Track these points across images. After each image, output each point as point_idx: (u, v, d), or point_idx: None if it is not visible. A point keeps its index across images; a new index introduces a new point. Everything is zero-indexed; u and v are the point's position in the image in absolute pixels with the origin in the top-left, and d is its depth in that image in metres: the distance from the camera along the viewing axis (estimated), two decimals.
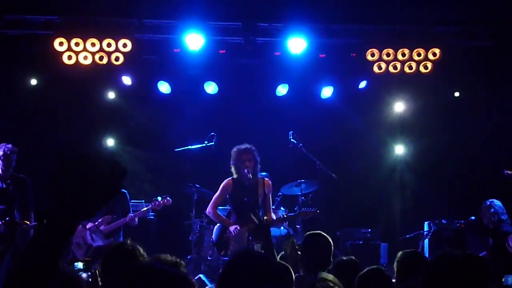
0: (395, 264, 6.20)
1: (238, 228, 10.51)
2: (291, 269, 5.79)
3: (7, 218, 10.49)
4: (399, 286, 5.71)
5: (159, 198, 11.54)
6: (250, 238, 10.24)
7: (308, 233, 7.07)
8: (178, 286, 2.31)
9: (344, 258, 7.03)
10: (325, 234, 6.91)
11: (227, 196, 10.84)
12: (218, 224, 10.99)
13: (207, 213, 11.02)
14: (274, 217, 10.80)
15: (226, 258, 10.46)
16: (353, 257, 7.11)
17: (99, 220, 11.19)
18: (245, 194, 10.58)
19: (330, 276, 5.90)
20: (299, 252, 7.03)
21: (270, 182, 10.94)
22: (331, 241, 6.81)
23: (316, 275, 6.24)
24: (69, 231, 2.05)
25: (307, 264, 6.58)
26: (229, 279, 3.48)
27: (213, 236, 10.98)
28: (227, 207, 11.37)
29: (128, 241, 5.35)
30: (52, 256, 2.01)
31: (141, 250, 5.15)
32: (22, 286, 1.96)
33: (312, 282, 5.92)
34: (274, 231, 11.85)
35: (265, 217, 10.59)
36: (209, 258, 11.80)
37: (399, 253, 6.26)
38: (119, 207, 11.41)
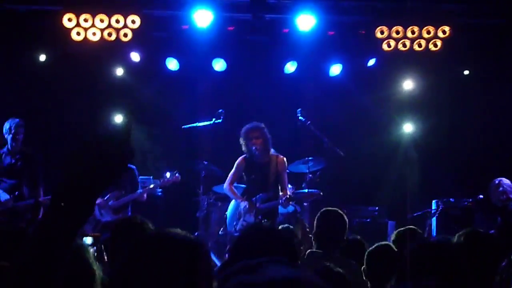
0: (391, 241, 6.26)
1: (247, 206, 10.61)
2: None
3: (16, 193, 10.55)
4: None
5: (168, 175, 11.57)
6: (259, 217, 10.32)
7: (324, 208, 7.09)
8: (193, 250, 2.32)
9: (349, 237, 7.06)
10: (341, 211, 6.94)
11: (243, 173, 11.00)
12: (233, 200, 11.16)
13: (223, 189, 11.21)
14: (289, 194, 10.88)
15: (237, 234, 10.55)
16: (358, 237, 7.15)
17: (108, 196, 11.23)
18: (257, 172, 10.68)
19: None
20: (310, 235, 7.08)
21: (285, 159, 11.00)
22: (346, 218, 6.84)
23: (329, 252, 6.28)
24: (86, 211, 2.03)
25: (321, 239, 6.59)
26: (238, 252, 3.50)
27: (228, 211, 11.20)
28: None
29: (137, 216, 5.38)
30: (67, 237, 2.00)
31: (150, 225, 5.17)
32: (36, 266, 1.95)
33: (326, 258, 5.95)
34: (281, 208, 11.89)
35: (281, 193, 10.73)
36: (220, 233, 11.89)
37: (395, 232, 6.34)
38: (128, 183, 11.44)
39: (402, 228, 6.45)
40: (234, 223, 10.93)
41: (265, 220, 10.19)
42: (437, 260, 3.65)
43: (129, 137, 2.09)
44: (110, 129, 2.12)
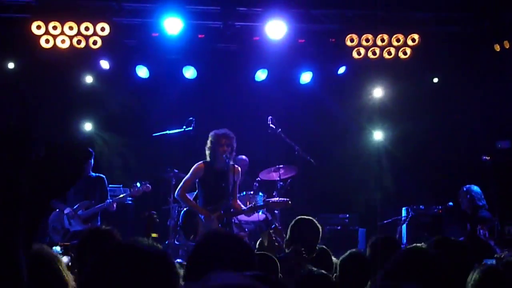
0: (367, 248, 6.25)
1: (210, 216, 10.36)
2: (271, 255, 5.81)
3: None
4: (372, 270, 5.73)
5: (138, 185, 11.51)
6: (220, 225, 10.18)
7: (299, 217, 7.07)
8: (157, 263, 2.30)
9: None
10: (315, 221, 6.93)
11: (197, 180, 10.65)
12: (185, 209, 10.83)
13: (175, 196, 10.75)
14: (241, 205, 10.71)
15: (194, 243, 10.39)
16: (323, 246, 7.14)
17: (77, 205, 11.14)
18: (218, 179, 10.46)
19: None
20: (276, 243, 7.04)
21: (240, 169, 10.84)
22: (319, 228, 6.84)
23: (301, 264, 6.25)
24: (40, 213, 2.02)
25: (293, 248, 6.56)
26: (200, 259, 3.46)
27: (180, 220, 10.83)
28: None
29: (105, 226, 5.33)
30: (24, 237, 1.98)
31: (118, 234, 5.13)
32: None
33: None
34: (252, 216, 11.86)
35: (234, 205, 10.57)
36: (176, 242, 11.74)
37: (372, 238, 6.33)
38: (97, 192, 11.37)
39: (380, 236, 6.43)
40: (192, 232, 10.63)
41: (227, 229, 10.07)
42: (418, 266, 3.65)
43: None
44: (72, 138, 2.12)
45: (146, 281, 2.27)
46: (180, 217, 10.82)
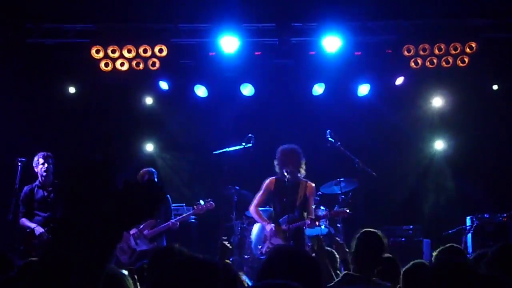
0: (433, 259, 6.21)
1: (273, 228, 10.51)
2: (326, 266, 5.83)
3: (51, 225, 10.62)
4: None
5: (202, 202, 11.58)
6: (288, 236, 10.26)
7: (364, 229, 7.05)
8: (206, 272, 2.35)
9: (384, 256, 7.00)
10: (380, 233, 6.90)
11: (270, 195, 10.85)
12: (258, 224, 11.01)
13: (249, 211, 11.07)
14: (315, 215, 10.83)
15: (262, 257, 10.51)
16: (390, 255, 7.09)
17: (143, 225, 11.27)
18: (284, 194, 10.58)
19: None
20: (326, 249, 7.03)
21: (313, 185, 10.93)
22: (385, 240, 6.81)
23: (367, 275, 6.24)
24: (114, 241, 2.07)
25: (359, 260, 6.55)
26: (265, 275, 3.51)
27: (252, 235, 11.04)
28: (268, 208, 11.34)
29: (176, 245, 5.40)
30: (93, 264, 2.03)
31: (186, 251, 5.19)
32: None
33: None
34: (316, 230, 11.84)
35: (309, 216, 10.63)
36: (245, 257, 11.83)
37: (437, 250, 6.29)
38: (162, 211, 11.47)
39: (444, 247, 6.38)
40: (260, 246, 10.84)
41: (292, 242, 10.14)
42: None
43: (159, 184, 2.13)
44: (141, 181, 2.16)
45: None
46: (252, 231, 11.01)
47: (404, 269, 5.84)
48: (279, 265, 3.55)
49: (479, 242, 12.19)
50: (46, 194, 10.97)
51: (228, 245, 7.15)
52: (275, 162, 10.73)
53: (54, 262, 1.98)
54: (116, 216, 2.03)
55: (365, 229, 6.99)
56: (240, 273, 10.32)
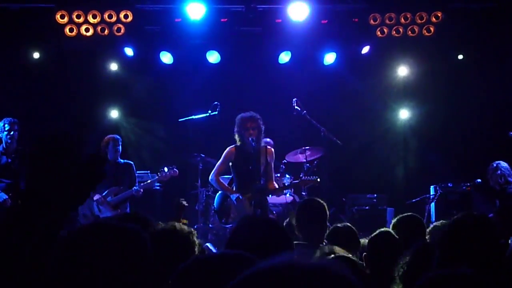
0: (391, 226, 6.26)
1: (240, 196, 10.46)
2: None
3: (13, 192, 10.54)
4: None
5: (166, 169, 11.55)
6: (253, 204, 10.23)
7: (303, 199, 7.06)
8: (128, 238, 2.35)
9: (340, 225, 7.02)
10: (319, 199, 6.91)
11: (230, 164, 10.75)
12: (219, 192, 10.93)
13: (209, 180, 10.92)
14: (276, 186, 10.78)
15: (228, 226, 10.50)
16: (348, 224, 7.13)
17: (106, 192, 11.21)
18: (248, 162, 10.51)
19: (337, 248, 5.89)
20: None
21: (273, 150, 10.88)
22: (325, 205, 6.81)
23: (315, 243, 6.26)
24: (59, 217, 2.08)
25: (304, 230, 6.57)
26: (235, 245, 3.49)
27: (215, 204, 10.94)
28: (229, 175, 11.29)
29: (139, 212, 5.39)
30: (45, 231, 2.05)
31: (150, 219, 5.18)
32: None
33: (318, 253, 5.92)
34: (279, 199, 11.90)
35: (268, 185, 10.61)
36: (210, 225, 11.81)
37: (396, 218, 6.34)
38: (126, 178, 11.43)
39: (402, 215, 6.42)
40: (224, 215, 10.76)
41: (259, 210, 10.12)
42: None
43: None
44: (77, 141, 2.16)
45: (117, 255, 2.32)
46: (215, 200, 10.93)
47: (370, 237, 5.86)
48: (249, 235, 3.53)
49: (443, 211, 12.30)
50: (10, 160, 10.86)
51: (184, 203, 7.11)
52: (235, 130, 10.62)
53: (15, 229, 1.98)
54: (74, 186, 2.03)
55: (305, 199, 7.01)
56: (206, 242, 10.34)
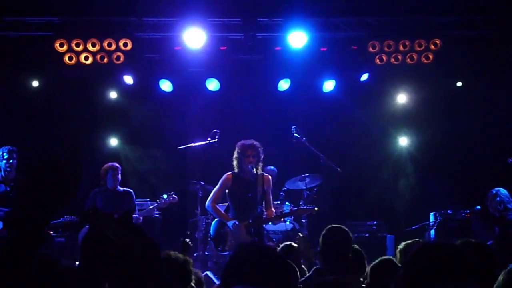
0: (397, 254, 6.23)
1: (237, 223, 10.41)
2: (293, 265, 5.83)
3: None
4: None
5: (165, 196, 11.53)
6: (252, 232, 10.20)
7: (330, 225, 7.03)
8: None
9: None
10: (345, 228, 6.90)
11: (226, 191, 10.71)
12: (216, 219, 10.87)
13: (206, 207, 10.86)
14: (274, 213, 10.75)
15: (225, 253, 10.46)
16: (355, 246, 7.09)
17: None
18: (246, 189, 10.49)
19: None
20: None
21: (270, 177, 10.86)
22: (350, 235, 6.81)
23: (335, 270, 6.24)
24: (37, 236, 2.12)
25: (326, 256, 6.56)
26: (233, 272, 3.46)
27: (211, 231, 10.88)
28: (226, 203, 11.24)
29: None
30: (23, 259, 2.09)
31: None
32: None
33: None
34: (279, 226, 11.87)
35: (265, 213, 10.59)
36: (206, 253, 11.76)
37: (402, 244, 6.30)
38: (126, 206, 11.40)
39: (409, 241, 6.40)
40: (221, 243, 10.67)
41: (256, 238, 10.08)
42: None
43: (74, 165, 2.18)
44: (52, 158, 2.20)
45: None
46: (211, 228, 10.87)
47: (371, 265, 5.84)
48: (248, 263, 3.49)
49: (442, 238, 12.27)
50: (8, 189, 10.84)
51: (189, 243, 7.11)
52: (234, 156, 10.61)
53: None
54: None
55: (330, 225, 6.98)
56: (206, 270, 10.29)
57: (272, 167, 12.45)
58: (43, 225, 2.12)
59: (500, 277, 4.09)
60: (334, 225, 6.98)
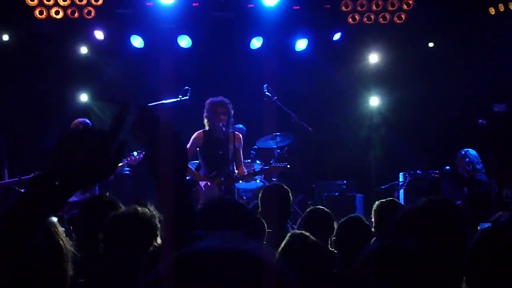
0: (372, 213, 6.25)
1: (209, 184, 10.40)
2: (263, 221, 5.85)
3: None
4: (376, 235, 5.75)
5: (135, 153, 11.48)
6: (223, 190, 10.22)
7: (266, 185, 7.04)
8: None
9: (316, 207, 7.00)
10: (282, 184, 6.90)
11: (197, 149, 10.67)
12: (187, 177, 10.83)
13: None
14: (245, 171, 10.76)
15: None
16: (324, 208, 7.10)
17: None
18: (217, 147, 10.47)
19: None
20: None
21: (241, 135, 10.86)
22: (288, 190, 6.81)
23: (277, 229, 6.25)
24: (58, 203, 2.06)
25: (267, 217, 6.55)
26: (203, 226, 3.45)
27: None
28: (196, 161, 11.21)
29: (107, 194, 5.38)
30: (39, 217, 2.03)
31: (119, 203, 5.17)
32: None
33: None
34: (250, 184, 11.89)
35: (236, 171, 10.60)
36: None
37: (376, 203, 6.32)
38: None
39: (384, 200, 6.42)
40: (193, 201, 10.62)
41: (228, 196, 10.09)
42: (417, 223, 3.62)
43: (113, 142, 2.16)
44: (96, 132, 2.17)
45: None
46: None
47: (339, 222, 5.88)
48: (213, 217, 3.49)
49: (412, 197, 12.36)
50: None
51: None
52: (204, 114, 10.56)
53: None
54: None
55: (268, 185, 6.99)
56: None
57: (240, 125, 12.42)
58: (68, 191, 2.06)
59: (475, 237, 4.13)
60: (270, 184, 6.99)
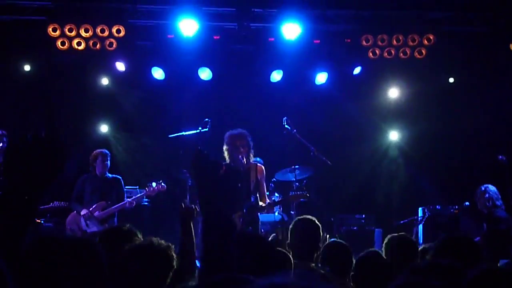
0: (383, 247, 6.21)
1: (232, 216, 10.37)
2: (289, 255, 5.80)
3: None
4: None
5: (154, 184, 11.52)
6: (244, 221, 10.18)
7: (297, 218, 7.00)
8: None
9: (335, 241, 6.96)
10: (314, 219, 6.86)
11: None
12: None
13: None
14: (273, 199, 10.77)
15: None
16: (342, 241, 7.05)
17: (93, 206, 11.16)
18: (236, 180, 10.45)
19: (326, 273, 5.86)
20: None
21: (263, 167, 10.85)
22: (319, 225, 6.77)
23: (305, 262, 6.22)
24: (28, 214, 2.11)
25: (296, 249, 6.52)
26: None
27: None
28: None
29: (126, 225, 5.38)
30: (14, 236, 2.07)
31: (138, 233, 5.17)
32: None
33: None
34: (268, 217, 11.85)
35: (260, 203, 10.56)
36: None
37: (388, 237, 6.28)
38: (114, 193, 11.37)
39: (395, 234, 6.38)
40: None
41: (250, 228, 10.06)
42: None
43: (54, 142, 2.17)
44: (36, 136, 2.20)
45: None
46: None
47: (358, 257, 5.84)
48: (243, 252, 3.49)
49: (430, 233, 12.31)
50: None
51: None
52: (225, 148, 10.56)
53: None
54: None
55: (299, 217, 6.95)
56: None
57: (258, 159, 12.45)
58: (33, 202, 2.11)
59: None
60: (301, 217, 6.94)
